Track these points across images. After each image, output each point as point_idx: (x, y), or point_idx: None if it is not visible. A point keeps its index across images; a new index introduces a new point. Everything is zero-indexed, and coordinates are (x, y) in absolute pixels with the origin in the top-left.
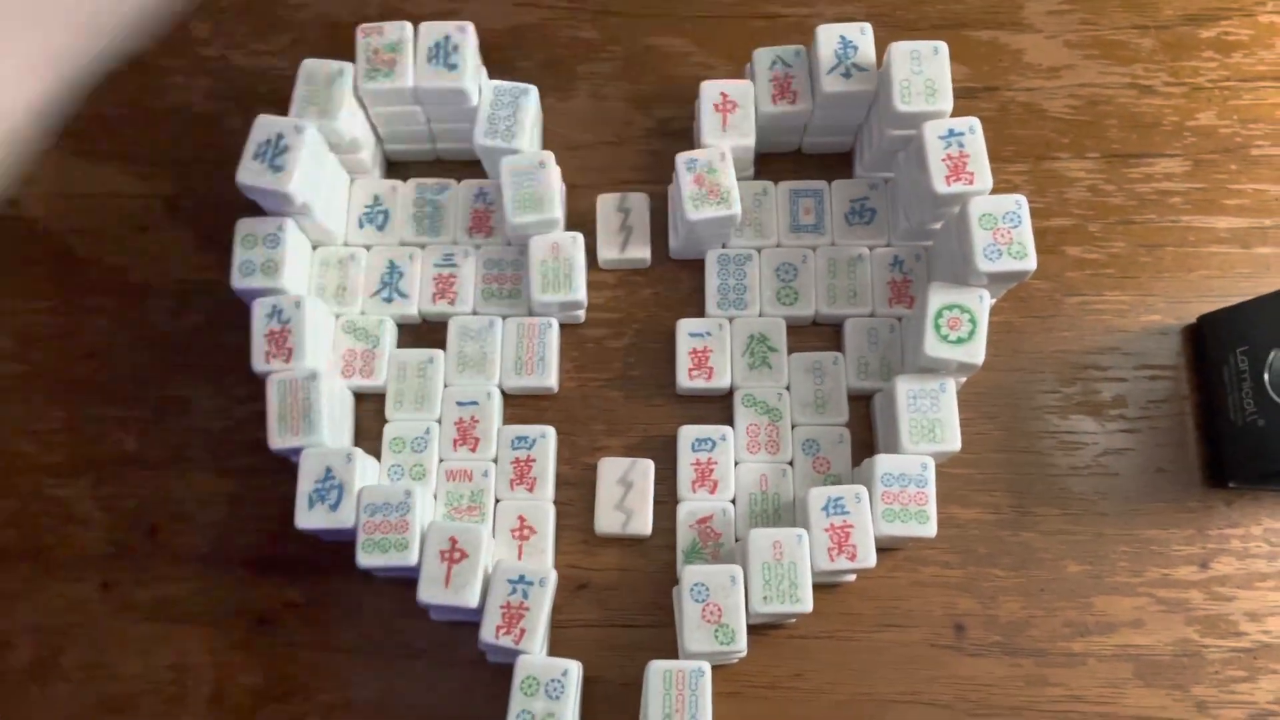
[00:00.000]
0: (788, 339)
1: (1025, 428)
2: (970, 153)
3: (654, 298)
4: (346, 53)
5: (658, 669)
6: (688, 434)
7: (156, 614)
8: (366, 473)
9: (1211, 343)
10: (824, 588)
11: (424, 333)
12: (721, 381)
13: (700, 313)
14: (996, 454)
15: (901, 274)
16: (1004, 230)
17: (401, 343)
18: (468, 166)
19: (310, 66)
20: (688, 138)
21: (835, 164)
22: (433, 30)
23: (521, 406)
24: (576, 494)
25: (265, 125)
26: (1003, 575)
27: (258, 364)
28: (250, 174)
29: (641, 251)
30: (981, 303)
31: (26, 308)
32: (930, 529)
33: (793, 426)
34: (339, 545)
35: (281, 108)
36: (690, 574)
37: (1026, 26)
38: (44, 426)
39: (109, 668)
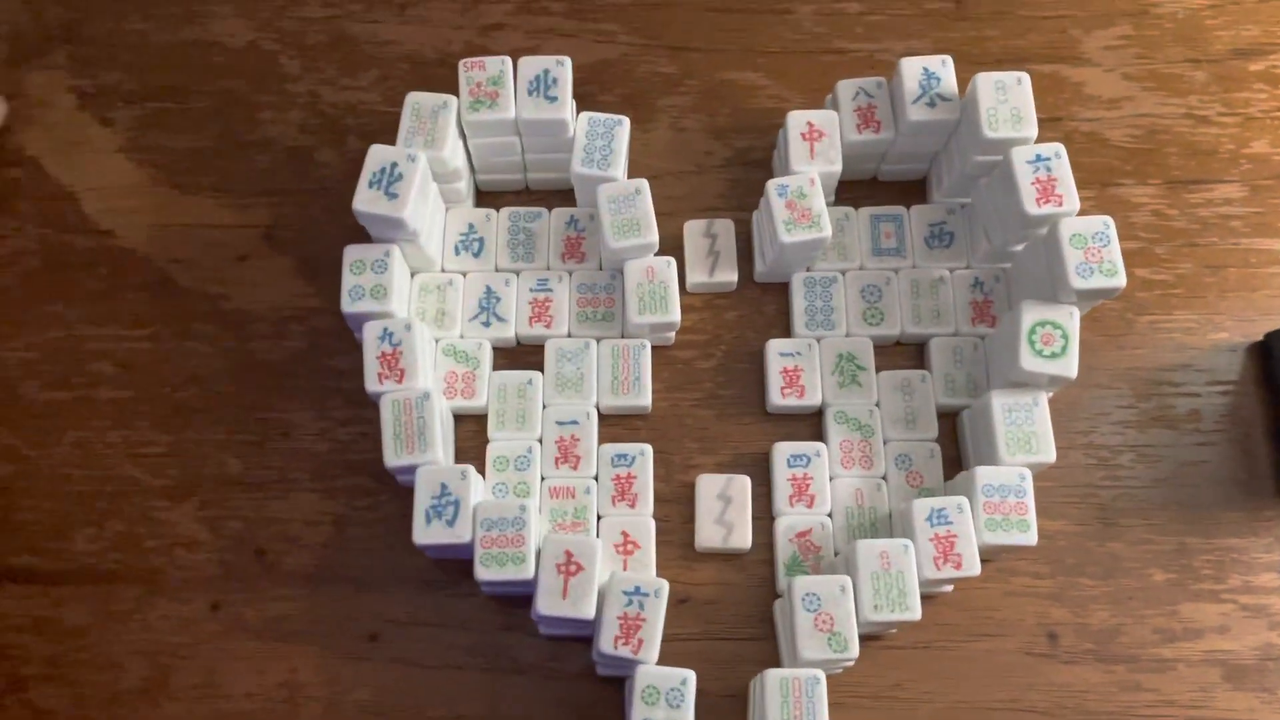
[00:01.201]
0: (875, 358)
1: (1105, 441)
2: (1058, 176)
3: (740, 320)
4: (432, 88)
5: (775, 676)
6: (783, 450)
7: (266, 633)
8: (478, 490)
9: (1278, 359)
10: (921, 598)
11: (519, 355)
12: (813, 399)
13: (785, 334)
14: (1079, 467)
15: (983, 294)
16: (1095, 249)
17: (498, 366)
18: (556, 195)
19: (415, 99)
20: (765, 167)
21: (911, 190)
22: (532, 64)
23: (616, 426)
24: (673, 510)
25: (379, 155)
26: (1091, 584)
27: (371, 385)
28: (366, 201)
29: (729, 274)
30: (1073, 319)
31: (128, 335)
32: (1031, 537)
33: (885, 442)
34: (444, 563)
35: (370, 140)
36: (800, 584)
37: (1085, 60)
38: (149, 451)
39: (220, 687)
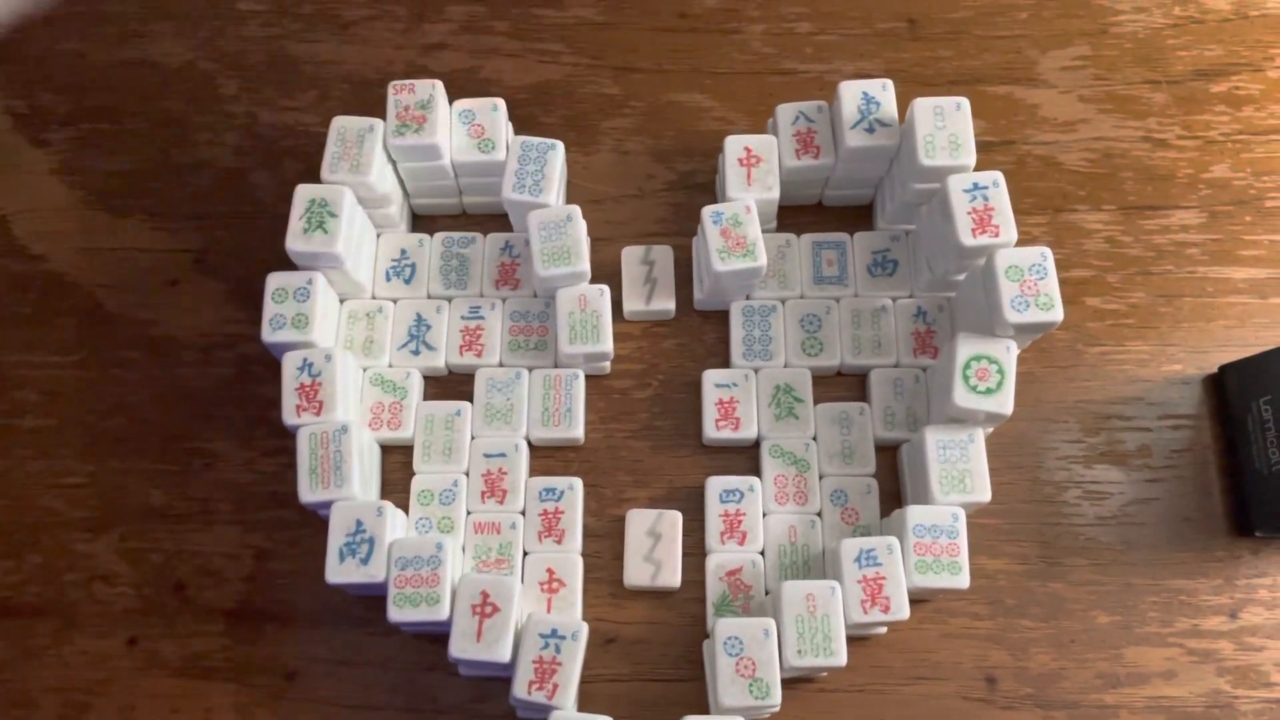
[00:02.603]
0: (813, 389)
1: (1051, 477)
2: (995, 206)
3: (678, 349)
4: (372, 109)
5: None
6: (715, 485)
7: (183, 670)
8: (396, 526)
9: (1234, 392)
10: (854, 640)
11: (451, 384)
12: (748, 432)
13: (725, 364)
14: (1022, 504)
15: (925, 325)
16: (1030, 282)
17: (429, 395)
18: (493, 219)
19: (341, 123)
20: (710, 191)
21: (856, 216)
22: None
23: (548, 458)
24: (604, 545)
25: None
26: (1032, 626)
27: (288, 417)
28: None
29: (666, 303)
30: (1009, 353)
31: (53, 361)
32: (963, 580)
33: (820, 477)
34: (366, 599)
35: (307, 163)
36: (724, 627)
37: (1041, 82)
38: (70, 481)
39: None
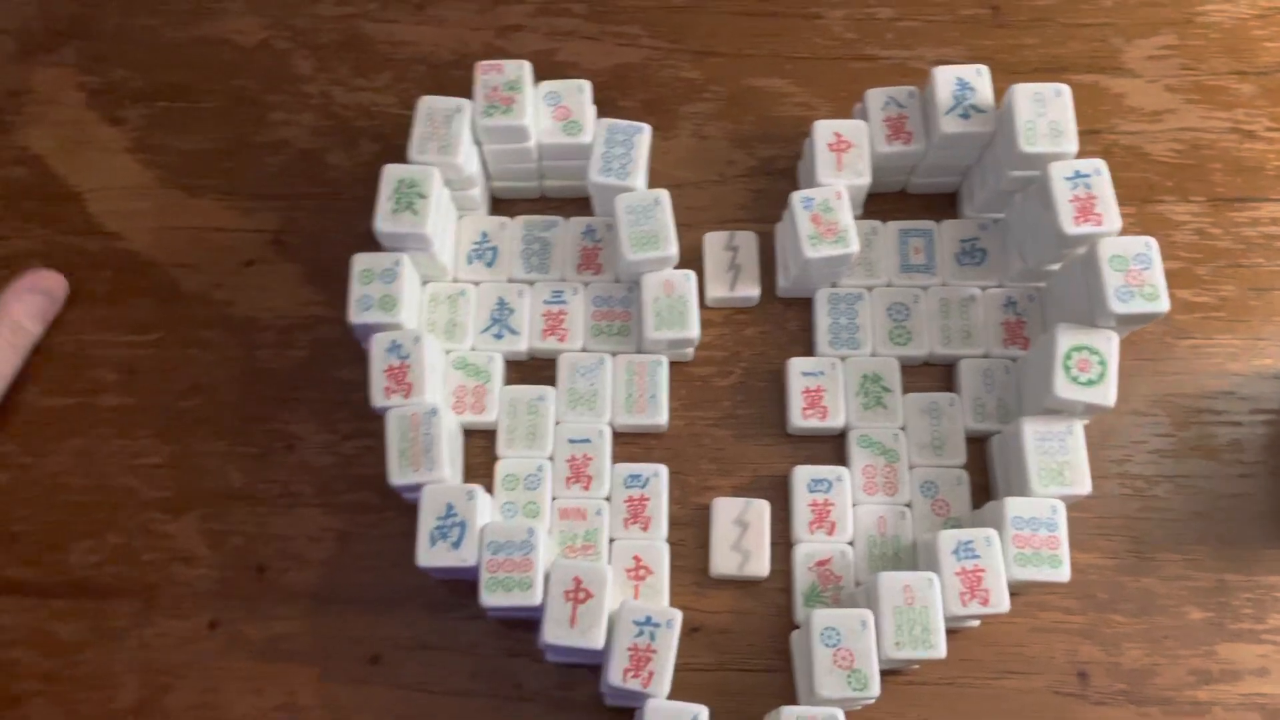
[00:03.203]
0: (901, 379)
1: (1141, 471)
2: (1097, 194)
3: (761, 336)
4: (448, 91)
5: (792, 715)
6: (803, 474)
7: (265, 653)
8: (485, 511)
9: None
10: (947, 633)
11: (531, 370)
12: (835, 421)
13: (807, 352)
14: (1113, 498)
15: (1015, 315)
16: (1135, 272)
17: (510, 379)
18: (571, 203)
19: (429, 103)
20: (791, 177)
21: (941, 204)
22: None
23: (631, 444)
24: (688, 534)
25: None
26: (1124, 621)
27: (377, 399)
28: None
29: (750, 290)
30: (1110, 344)
31: (130, 340)
32: (1064, 574)
33: (910, 468)
34: (449, 583)
35: (384, 144)
36: (819, 618)
37: (1127, 71)
38: (149, 461)
39: (217, 709)
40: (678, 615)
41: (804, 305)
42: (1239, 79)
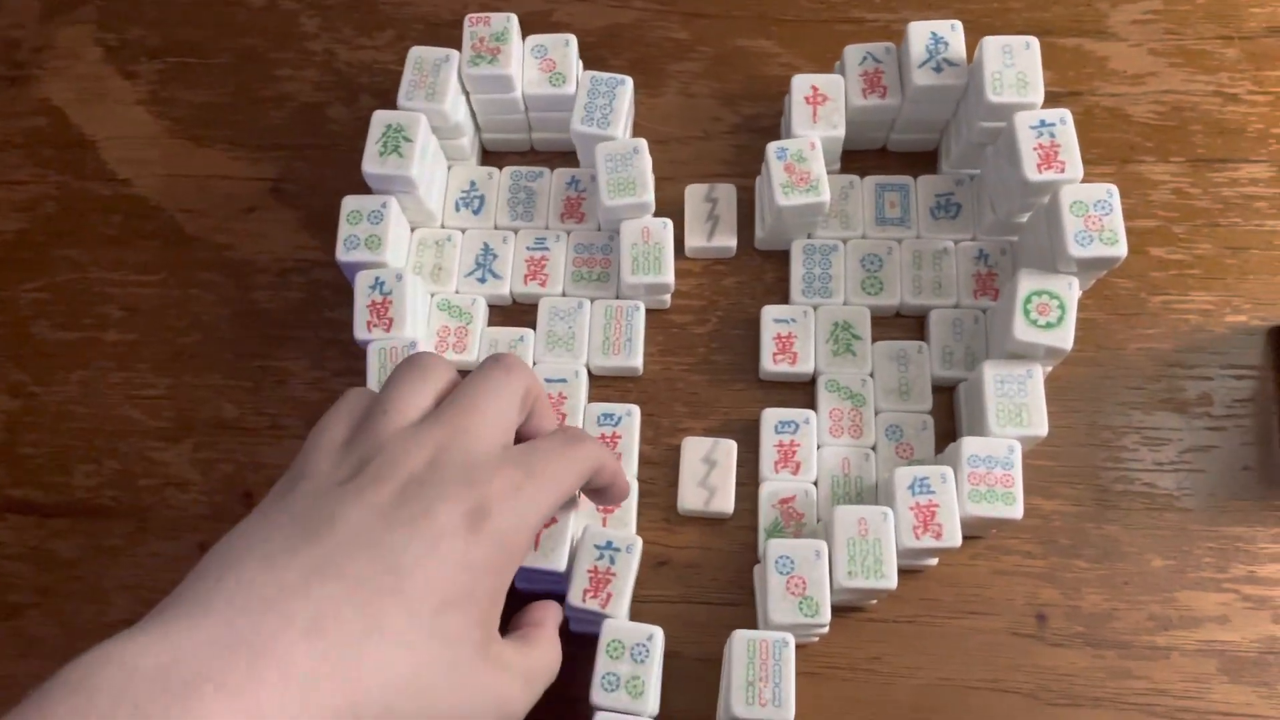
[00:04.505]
0: (872, 329)
1: (1109, 422)
2: (1061, 143)
3: (738, 286)
4: (444, 47)
5: (742, 637)
6: (771, 416)
7: None
8: None
9: None
10: (906, 572)
11: (514, 313)
12: (805, 367)
13: (784, 301)
14: (1080, 447)
15: (986, 267)
16: (1095, 217)
17: (493, 322)
18: (559, 156)
19: (418, 53)
20: (774, 134)
21: (920, 161)
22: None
23: (607, 387)
24: (659, 473)
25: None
26: (1085, 567)
27: (359, 332)
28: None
29: (728, 240)
30: (1070, 289)
31: (136, 279)
32: (1016, 510)
33: (876, 413)
34: None
35: (384, 100)
36: (775, 547)
37: (1111, 35)
38: (149, 393)
39: None
40: (638, 541)
41: (781, 258)
42: (1224, 43)
